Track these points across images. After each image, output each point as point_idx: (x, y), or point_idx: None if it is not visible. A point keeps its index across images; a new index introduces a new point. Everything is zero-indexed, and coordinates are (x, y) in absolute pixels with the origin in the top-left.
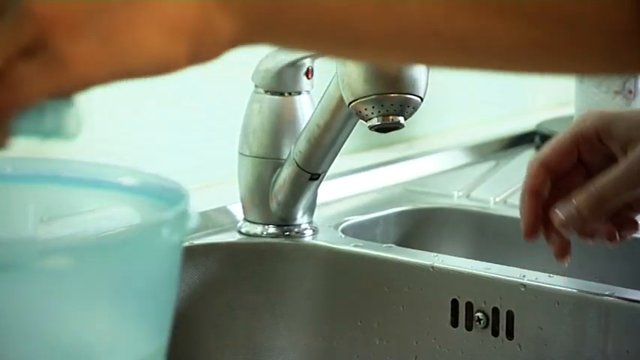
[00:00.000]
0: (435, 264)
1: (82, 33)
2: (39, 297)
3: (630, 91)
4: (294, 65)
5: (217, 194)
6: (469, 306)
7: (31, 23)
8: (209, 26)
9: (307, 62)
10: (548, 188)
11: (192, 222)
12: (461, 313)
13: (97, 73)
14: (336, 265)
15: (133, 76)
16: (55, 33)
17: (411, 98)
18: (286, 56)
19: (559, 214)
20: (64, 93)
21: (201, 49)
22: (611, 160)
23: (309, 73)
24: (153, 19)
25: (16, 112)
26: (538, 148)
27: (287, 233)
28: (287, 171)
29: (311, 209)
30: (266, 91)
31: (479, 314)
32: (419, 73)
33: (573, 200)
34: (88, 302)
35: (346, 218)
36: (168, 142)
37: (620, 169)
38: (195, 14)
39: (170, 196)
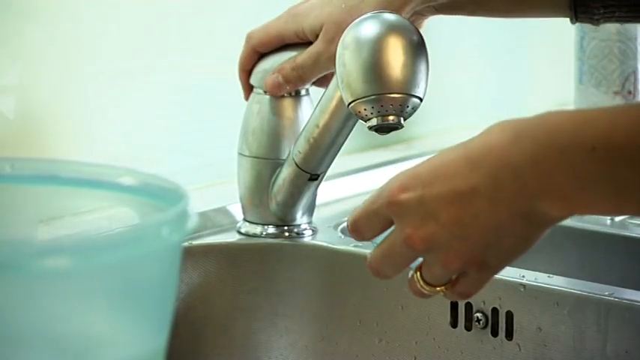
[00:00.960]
0: None
1: (489, 263)
2: (38, 297)
3: (629, 92)
4: None
5: (217, 194)
6: (468, 306)
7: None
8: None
9: None
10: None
11: (192, 222)
12: (460, 314)
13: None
14: (335, 265)
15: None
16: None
17: (410, 98)
18: (283, 56)
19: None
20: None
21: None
22: None
23: None
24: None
25: None
26: None
27: (286, 234)
28: (286, 171)
29: (310, 209)
30: (265, 92)
31: (478, 314)
32: (418, 73)
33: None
34: (87, 302)
35: (346, 219)
36: (168, 142)
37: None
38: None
39: (169, 196)
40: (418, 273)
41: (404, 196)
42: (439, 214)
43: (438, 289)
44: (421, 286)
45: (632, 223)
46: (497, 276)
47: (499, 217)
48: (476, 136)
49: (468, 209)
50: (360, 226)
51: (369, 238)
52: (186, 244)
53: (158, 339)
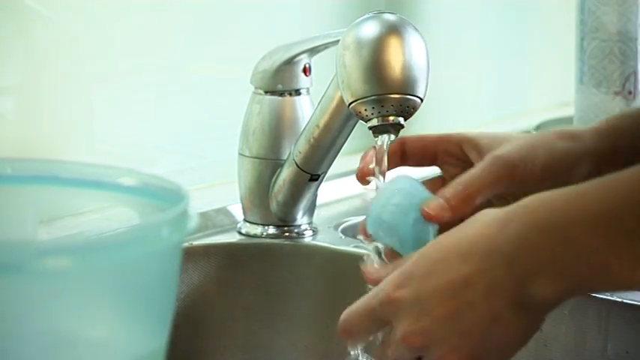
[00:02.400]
0: None
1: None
2: (39, 298)
3: (630, 92)
4: (290, 63)
5: (217, 195)
6: None
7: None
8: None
9: (304, 59)
10: None
11: (192, 222)
12: None
13: None
14: (335, 265)
15: None
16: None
17: (410, 99)
18: (282, 54)
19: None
20: None
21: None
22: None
23: (306, 70)
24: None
25: None
26: None
27: (287, 234)
28: (287, 172)
29: (311, 210)
30: (265, 92)
31: None
32: (419, 73)
33: (440, 194)
34: (87, 302)
35: (346, 219)
36: (168, 143)
37: (481, 167)
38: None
39: (170, 196)
40: None
41: (399, 293)
42: (434, 309)
43: None
44: None
45: None
46: None
47: (495, 307)
48: (464, 225)
49: (462, 302)
50: (353, 326)
51: (361, 340)
52: (186, 244)
53: (159, 339)
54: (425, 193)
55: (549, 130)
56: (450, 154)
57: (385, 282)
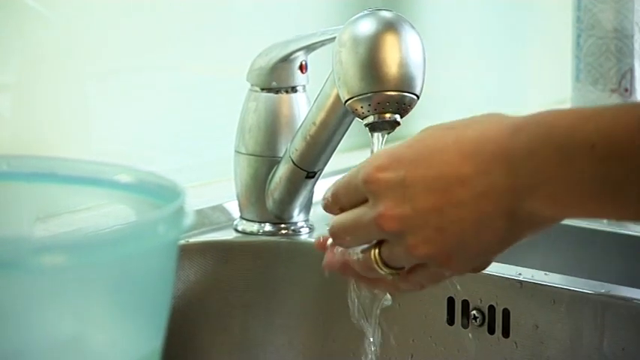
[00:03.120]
0: None
1: (455, 260)
2: (35, 294)
3: (626, 89)
4: (287, 60)
5: (213, 192)
6: (465, 304)
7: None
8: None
9: (300, 56)
10: None
11: (189, 219)
12: (457, 311)
13: (463, 272)
14: None
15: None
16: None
17: (407, 96)
18: (278, 51)
19: None
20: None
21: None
22: None
23: (302, 68)
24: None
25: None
26: None
27: (283, 231)
28: (283, 169)
29: (307, 207)
30: (262, 89)
31: (475, 312)
32: (415, 70)
33: None
34: (84, 300)
35: None
36: (164, 140)
37: None
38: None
39: (166, 193)
40: (377, 250)
41: (383, 175)
42: (418, 198)
43: (390, 271)
44: (377, 265)
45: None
46: (494, 273)
47: (482, 212)
48: (468, 123)
49: (450, 199)
50: (339, 198)
51: (346, 209)
52: (182, 241)
53: (155, 336)
54: None
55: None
56: None
57: (372, 160)
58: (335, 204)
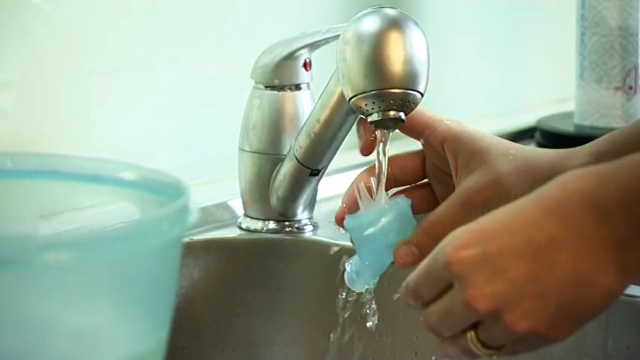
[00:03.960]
0: None
1: (559, 328)
2: (39, 292)
3: (631, 87)
4: (291, 57)
5: (217, 190)
6: None
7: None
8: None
9: (304, 53)
10: None
11: (193, 217)
12: None
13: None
14: (336, 260)
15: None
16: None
17: (411, 93)
18: (283, 49)
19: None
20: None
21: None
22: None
23: (307, 65)
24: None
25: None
26: (538, 143)
27: (287, 229)
28: (287, 166)
29: (311, 205)
30: (266, 87)
31: None
32: (419, 68)
33: (410, 240)
34: (87, 297)
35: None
36: (168, 138)
37: (449, 205)
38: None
39: (170, 191)
40: (473, 333)
41: (465, 253)
42: (508, 269)
43: (489, 352)
44: (476, 347)
45: None
46: None
47: (580, 269)
48: (545, 186)
49: (542, 262)
50: (421, 292)
51: (431, 302)
52: (187, 239)
53: (159, 333)
54: (411, 225)
55: (540, 150)
56: (434, 164)
57: (446, 242)
58: (418, 299)
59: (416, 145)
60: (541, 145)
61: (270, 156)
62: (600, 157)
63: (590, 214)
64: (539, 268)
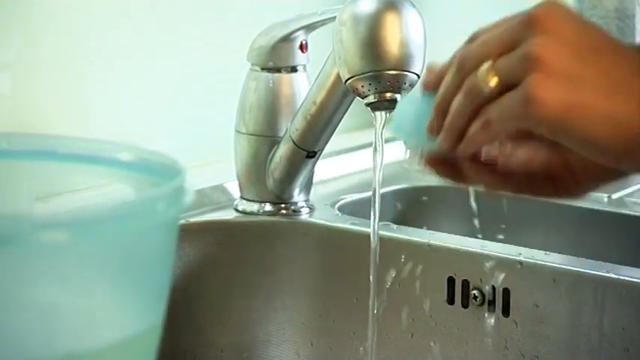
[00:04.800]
0: (432, 242)
1: (554, 82)
2: (34, 271)
3: None
4: (287, 40)
5: (214, 172)
6: (465, 283)
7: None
8: None
9: (300, 35)
10: None
11: (188, 197)
12: (457, 291)
13: (556, 121)
14: (332, 243)
15: (584, 134)
16: (533, 77)
17: (407, 75)
18: (279, 31)
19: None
20: (522, 129)
21: None
22: None
23: (303, 47)
24: (616, 87)
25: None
26: None
27: (283, 211)
28: (283, 149)
29: (307, 187)
30: (262, 69)
31: (475, 292)
32: (416, 50)
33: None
34: (83, 277)
35: (343, 196)
36: (165, 120)
37: None
38: None
39: (167, 172)
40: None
41: (543, 19)
42: (581, 42)
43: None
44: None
45: (629, 200)
46: (494, 253)
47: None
48: None
49: (616, 52)
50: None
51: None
52: (183, 221)
53: (155, 315)
54: None
55: None
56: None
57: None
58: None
59: None
60: None
61: (266, 138)
62: None
63: None
64: (611, 56)
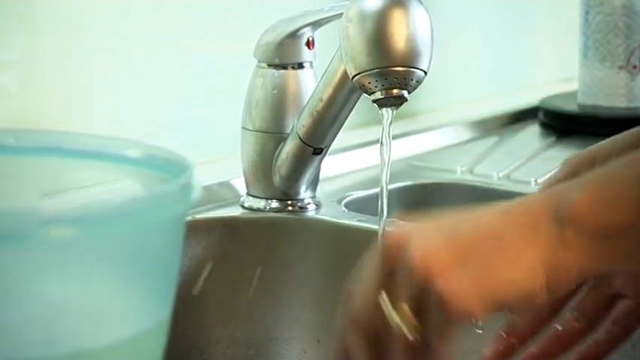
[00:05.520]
0: None
1: (454, 275)
2: (41, 267)
3: (635, 66)
4: (294, 36)
5: (220, 169)
6: None
7: (417, 275)
8: (561, 262)
9: (307, 32)
10: None
11: (196, 194)
12: None
13: (471, 309)
14: (338, 239)
15: (502, 308)
16: (433, 279)
17: (414, 72)
18: (285, 27)
19: None
20: (450, 326)
21: (556, 281)
22: None
23: (309, 44)
24: (515, 260)
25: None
26: (541, 123)
27: (290, 208)
28: (290, 145)
29: (314, 184)
30: (269, 65)
31: None
32: (423, 46)
33: None
34: (90, 273)
35: (349, 193)
36: (172, 117)
37: None
38: (551, 254)
39: (174, 168)
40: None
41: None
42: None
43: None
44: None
45: None
46: None
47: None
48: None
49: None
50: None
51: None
52: (189, 218)
53: (161, 311)
54: None
55: None
56: None
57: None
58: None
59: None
60: (544, 125)
61: (272, 135)
62: None
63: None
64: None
